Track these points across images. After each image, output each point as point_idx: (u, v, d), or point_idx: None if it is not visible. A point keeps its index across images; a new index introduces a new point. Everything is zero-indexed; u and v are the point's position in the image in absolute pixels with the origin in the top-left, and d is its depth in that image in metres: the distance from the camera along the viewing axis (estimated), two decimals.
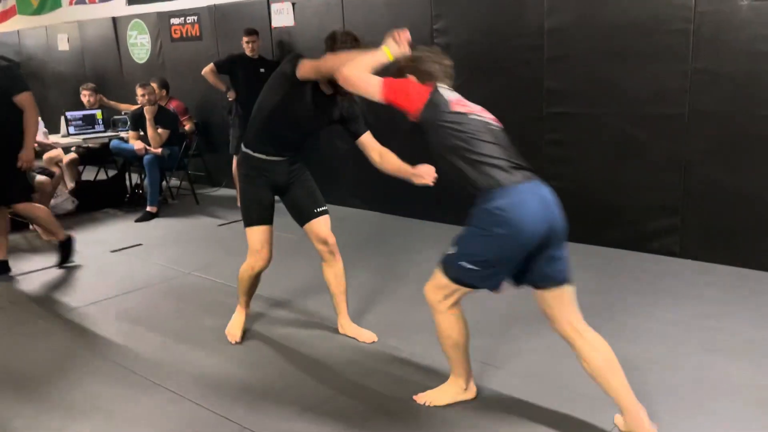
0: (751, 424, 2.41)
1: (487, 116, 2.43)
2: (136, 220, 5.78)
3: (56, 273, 4.46)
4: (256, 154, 3.03)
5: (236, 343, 3.24)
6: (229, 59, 5.99)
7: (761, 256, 3.88)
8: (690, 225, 4.13)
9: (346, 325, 3.30)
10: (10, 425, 2.59)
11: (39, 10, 9.48)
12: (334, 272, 3.23)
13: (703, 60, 3.87)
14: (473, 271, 2.27)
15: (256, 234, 3.08)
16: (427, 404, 2.60)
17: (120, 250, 4.93)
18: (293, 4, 5.95)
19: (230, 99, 6.10)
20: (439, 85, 2.43)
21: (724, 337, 3.10)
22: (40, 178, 5.17)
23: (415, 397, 2.65)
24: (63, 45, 8.86)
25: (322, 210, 3.19)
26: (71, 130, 6.42)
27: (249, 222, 3.10)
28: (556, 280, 2.29)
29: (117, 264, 4.62)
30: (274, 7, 6.11)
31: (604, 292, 3.69)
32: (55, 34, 8.96)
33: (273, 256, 3.15)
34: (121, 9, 7.95)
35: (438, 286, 2.40)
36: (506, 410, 2.56)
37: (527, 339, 3.14)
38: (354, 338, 3.24)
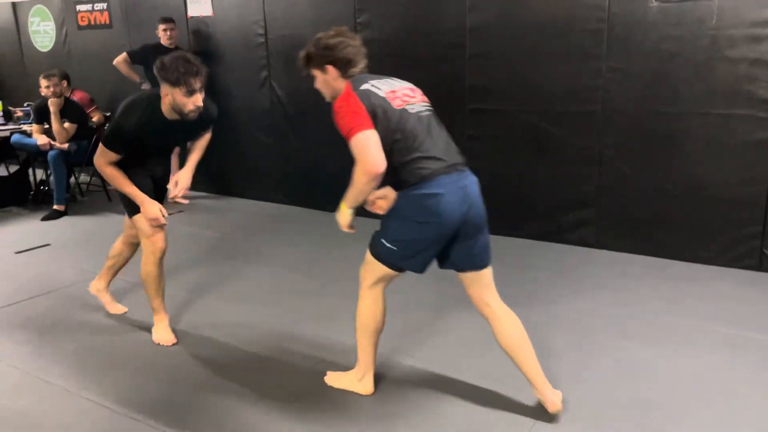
0: (667, 406, 2.54)
1: (418, 101, 2.45)
2: (43, 219, 5.44)
3: None
4: (140, 155, 3.06)
5: (174, 344, 3.15)
6: (144, 49, 5.73)
7: (670, 245, 4.11)
8: (604, 217, 4.32)
9: (103, 291, 3.55)
10: None
11: None
12: (129, 250, 3.45)
13: (616, 59, 4.04)
14: (393, 251, 2.39)
15: (144, 219, 3.05)
16: (327, 381, 2.74)
17: (26, 251, 4.62)
18: None
19: (144, 89, 5.84)
20: (364, 83, 2.37)
21: (638, 324, 3.25)
22: None
23: (326, 376, 2.77)
24: None
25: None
26: None
27: (133, 210, 3.07)
28: (475, 265, 2.45)
29: (23, 266, 4.32)
30: None
31: (523, 283, 3.79)
32: None
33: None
34: None
35: (367, 264, 2.51)
36: (431, 386, 2.59)
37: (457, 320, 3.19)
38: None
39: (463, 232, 2.37)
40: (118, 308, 3.53)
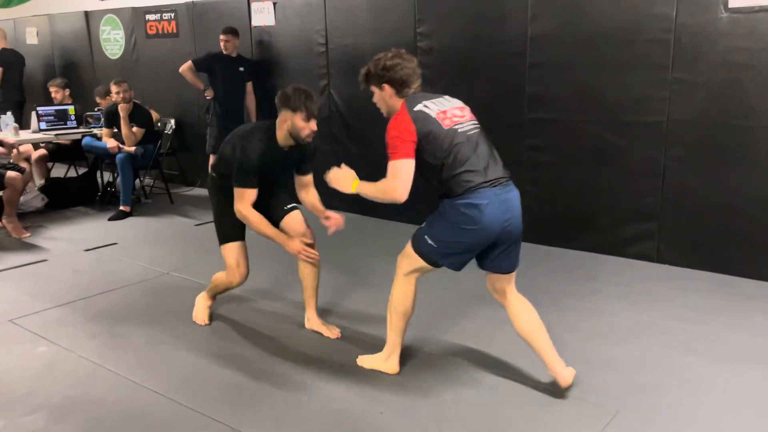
0: (725, 425, 2.47)
1: (467, 119, 2.65)
2: (110, 219, 5.66)
3: (30, 272, 4.33)
4: None
5: (205, 324, 3.41)
6: (208, 57, 5.92)
7: (736, 262, 3.99)
8: (667, 231, 4.22)
9: (313, 320, 3.38)
10: None
11: (7, 3, 9.22)
12: (311, 267, 3.29)
13: (682, 70, 3.97)
14: (433, 248, 2.61)
15: (231, 250, 3.24)
16: (358, 363, 2.95)
17: (94, 249, 4.81)
18: (274, 4, 5.90)
19: (208, 98, 6.03)
20: (418, 104, 2.56)
21: (700, 341, 3.17)
22: (10, 173, 5.02)
23: (358, 358, 2.98)
24: (32, 39, 8.64)
25: (291, 206, 3.31)
26: (42, 125, 6.25)
27: (223, 239, 3.27)
28: (506, 269, 2.71)
29: (92, 263, 4.51)
30: (254, 5, 6.06)
31: (584, 296, 3.74)
32: (23, 28, 8.73)
33: (250, 270, 3.31)
34: (94, 3, 7.79)
35: (406, 256, 2.72)
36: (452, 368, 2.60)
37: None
38: (319, 333, 3.32)
39: (502, 240, 2.59)
40: (332, 332, 3.33)
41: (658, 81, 4.05)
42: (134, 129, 5.82)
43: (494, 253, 2.64)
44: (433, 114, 2.55)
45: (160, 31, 7.01)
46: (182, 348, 3.18)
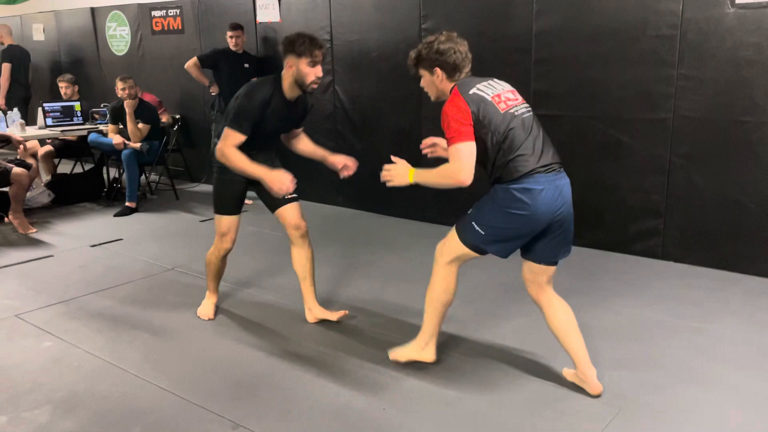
0: (728, 423, 2.46)
1: (520, 102, 2.60)
2: (116, 215, 5.68)
3: (36, 267, 4.35)
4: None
5: (209, 319, 3.44)
6: (214, 53, 5.92)
7: (741, 259, 3.97)
8: (672, 228, 4.20)
9: (315, 309, 3.40)
10: None
11: (13, 0, 9.25)
12: (306, 256, 3.34)
13: (689, 66, 3.94)
14: (480, 234, 2.55)
15: (225, 220, 3.28)
16: (392, 357, 2.90)
17: (100, 244, 4.83)
18: (279, 0, 5.90)
19: (213, 94, 6.03)
20: (472, 88, 2.51)
21: (704, 338, 3.16)
22: (17, 169, 5.04)
23: (390, 353, 2.93)
24: (38, 35, 8.67)
25: (293, 196, 3.30)
26: (48, 121, 6.27)
27: (219, 210, 3.28)
28: (553, 260, 2.64)
29: (98, 258, 4.53)
30: (259, 2, 6.06)
31: (588, 292, 3.74)
32: (30, 24, 8.76)
33: (238, 241, 3.38)
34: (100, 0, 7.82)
35: (449, 243, 2.67)
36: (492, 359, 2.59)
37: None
38: (324, 321, 3.38)
39: (553, 228, 2.52)
40: (338, 313, 3.38)
41: (665, 77, 4.03)
42: (140, 125, 5.83)
43: (542, 242, 2.57)
44: (489, 97, 2.50)
45: (166, 28, 7.02)
46: (186, 343, 3.20)
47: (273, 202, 3.27)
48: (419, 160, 4.56)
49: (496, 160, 2.48)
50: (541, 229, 2.51)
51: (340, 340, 3.20)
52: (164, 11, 6.98)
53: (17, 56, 7.94)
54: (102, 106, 6.64)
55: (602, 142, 4.36)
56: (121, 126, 5.90)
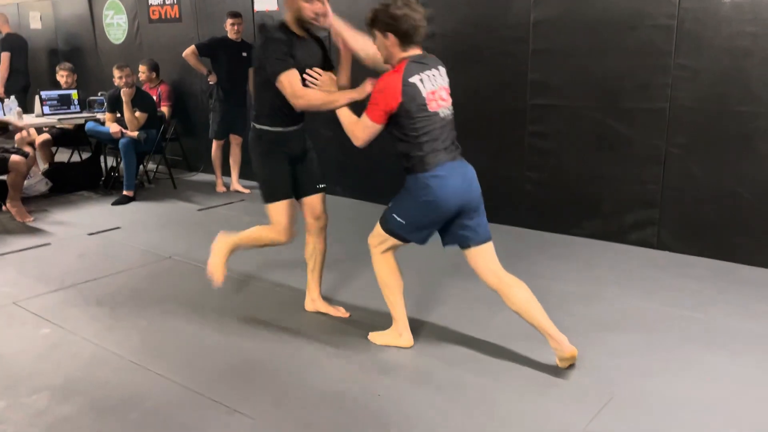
0: (722, 411, 2.49)
1: (448, 103, 2.77)
2: (113, 203, 5.69)
3: (34, 255, 4.37)
4: (275, 128, 3.02)
5: (219, 283, 3.20)
6: (212, 42, 5.91)
7: (736, 249, 3.99)
8: (668, 218, 4.22)
9: (318, 301, 3.40)
10: None
11: None
12: (320, 249, 3.31)
13: (686, 56, 3.95)
14: (401, 224, 2.77)
15: (282, 209, 3.07)
16: (370, 339, 3.04)
17: (98, 233, 4.84)
18: None
19: (211, 83, 6.02)
20: (413, 75, 2.61)
21: (698, 327, 3.18)
22: (14, 158, 5.04)
23: (369, 335, 3.06)
24: (35, 23, 8.64)
25: (323, 186, 3.27)
26: (46, 110, 6.27)
27: (273, 197, 3.07)
28: (475, 240, 2.77)
29: (96, 247, 4.54)
30: None
31: (582, 282, 3.76)
32: (26, 12, 8.73)
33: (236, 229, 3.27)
34: None
35: (376, 235, 2.88)
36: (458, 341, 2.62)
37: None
38: (324, 314, 3.36)
39: (464, 211, 2.73)
40: (340, 311, 3.37)
41: (661, 67, 4.03)
42: (137, 114, 5.83)
43: (459, 224, 2.75)
44: (424, 93, 2.62)
45: (163, 16, 6.99)
46: (184, 330, 3.22)
47: (303, 188, 3.17)
48: None
49: (411, 150, 2.66)
50: (456, 214, 2.71)
51: (337, 328, 3.23)
52: (161, 0, 6.96)
53: (16, 45, 7.93)
54: (99, 94, 6.63)
55: (599, 132, 4.36)
56: (119, 115, 5.90)
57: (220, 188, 6.19)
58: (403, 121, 2.63)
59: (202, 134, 6.60)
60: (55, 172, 6.19)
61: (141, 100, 5.91)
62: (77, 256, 4.34)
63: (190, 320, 3.33)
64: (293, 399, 2.59)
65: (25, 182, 5.44)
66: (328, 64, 3.11)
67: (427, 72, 2.66)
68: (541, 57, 4.49)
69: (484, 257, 2.78)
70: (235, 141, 6.08)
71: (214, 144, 6.11)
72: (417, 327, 3.16)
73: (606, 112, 4.31)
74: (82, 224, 5.07)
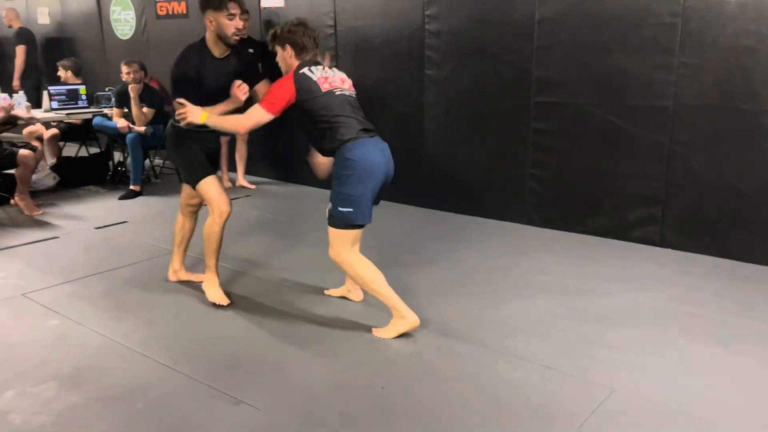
0: (721, 406, 2.51)
1: (346, 86, 3.11)
2: (120, 198, 5.74)
3: (41, 248, 4.42)
4: (194, 128, 3.22)
5: (229, 304, 3.41)
6: None
7: (739, 246, 4.01)
8: (671, 215, 4.24)
9: (180, 271, 3.75)
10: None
11: None
12: (189, 227, 3.70)
13: (690, 54, 3.96)
14: (349, 212, 2.94)
15: (211, 183, 3.32)
16: (375, 334, 3.08)
17: (105, 227, 4.89)
18: None
19: None
20: (303, 68, 3.01)
21: (699, 323, 3.20)
22: (23, 152, 5.10)
23: (373, 330, 3.12)
24: (43, 18, 8.69)
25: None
26: (54, 104, 6.32)
27: (199, 176, 3.32)
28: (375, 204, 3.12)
29: (103, 240, 4.59)
30: None
31: (583, 277, 3.78)
32: (35, 7, 8.78)
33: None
34: None
35: (336, 244, 3.02)
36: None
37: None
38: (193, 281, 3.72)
39: (384, 185, 3.05)
40: (201, 277, 3.65)
41: (665, 65, 4.05)
42: (144, 109, 5.87)
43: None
44: (314, 77, 2.99)
45: (170, 12, 7.03)
46: (189, 322, 3.26)
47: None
48: (422, 144, 4.71)
49: (319, 127, 2.97)
50: (381, 184, 3.01)
51: (341, 319, 3.26)
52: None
53: (29, 38, 8.01)
54: (106, 89, 6.68)
55: (602, 129, 4.38)
56: (126, 110, 5.94)
57: (226, 183, 6.22)
58: (307, 105, 2.96)
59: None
60: (62, 166, 6.24)
61: (148, 95, 5.95)
62: (84, 249, 4.38)
63: (196, 312, 3.38)
64: (298, 390, 2.63)
65: (34, 176, 5.50)
66: (251, 78, 3.39)
67: (315, 68, 3.04)
68: (545, 54, 4.51)
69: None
70: (241, 137, 6.11)
71: (221, 140, 6.14)
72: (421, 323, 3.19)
73: (609, 110, 4.32)
74: (89, 218, 5.12)
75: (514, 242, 4.45)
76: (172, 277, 3.75)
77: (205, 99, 3.15)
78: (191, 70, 3.12)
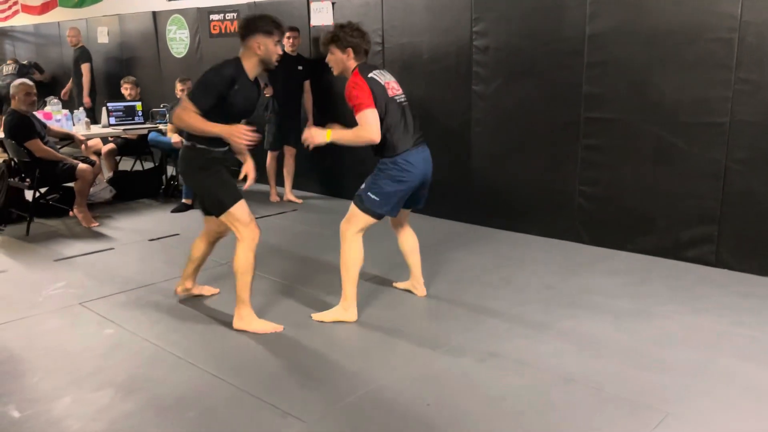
0: None
1: (401, 92, 3.36)
2: (172, 211, 5.89)
3: (98, 259, 4.57)
4: (215, 149, 3.22)
5: (281, 328, 3.34)
6: None
7: None
8: (727, 235, 4.11)
9: (197, 287, 3.80)
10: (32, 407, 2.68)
11: (80, 3, 9.69)
12: (207, 253, 3.70)
13: (747, 69, 3.85)
14: (377, 201, 3.26)
15: (242, 208, 3.25)
16: (315, 318, 3.43)
17: (158, 239, 5.03)
18: (333, 3, 6.02)
19: (267, 96, 6.18)
20: (370, 71, 3.24)
21: (758, 347, 3.08)
22: (82, 166, 5.30)
23: (312, 315, 3.46)
24: (103, 38, 9.04)
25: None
26: (112, 120, 6.55)
27: (231, 201, 3.22)
28: (416, 205, 3.52)
29: (156, 252, 4.72)
30: (313, 5, 6.19)
31: (636, 297, 3.69)
32: (95, 27, 9.15)
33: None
34: (162, 4, 8.11)
35: (351, 218, 3.32)
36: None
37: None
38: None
39: (422, 186, 3.39)
40: (211, 290, 3.85)
41: (722, 81, 3.95)
42: None
43: (412, 196, 3.41)
44: (382, 82, 3.24)
45: (223, 31, 7.23)
46: (238, 334, 3.31)
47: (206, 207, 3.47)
48: (469, 160, 4.74)
49: (383, 138, 3.18)
50: (416, 188, 3.34)
51: (387, 336, 3.26)
52: (222, 15, 7.20)
53: (88, 57, 8.41)
54: (161, 106, 6.89)
55: (655, 146, 4.29)
56: None
57: (274, 198, 6.33)
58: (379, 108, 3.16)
59: (257, 145, 6.75)
60: (118, 180, 6.46)
61: None
62: (138, 261, 4.51)
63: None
64: (344, 405, 2.64)
65: (91, 189, 5.70)
66: (255, 106, 3.40)
67: (376, 71, 3.28)
68: (596, 70, 4.46)
69: (405, 215, 3.58)
70: (289, 152, 6.22)
71: (269, 155, 6.27)
72: (467, 339, 3.17)
73: (662, 126, 4.23)
74: (143, 230, 5.27)
75: (563, 260, 4.38)
76: (182, 293, 3.77)
77: (227, 115, 3.10)
78: (227, 80, 3.07)
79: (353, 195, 3.41)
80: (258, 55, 3.16)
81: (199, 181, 3.28)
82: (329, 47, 3.28)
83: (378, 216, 3.29)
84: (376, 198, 3.25)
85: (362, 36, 3.27)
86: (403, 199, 3.34)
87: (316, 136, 3.19)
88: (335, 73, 3.34)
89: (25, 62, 9.76)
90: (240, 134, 3.01)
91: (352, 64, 3.26)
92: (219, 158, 3.26)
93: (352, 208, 3.32)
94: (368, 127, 3.13)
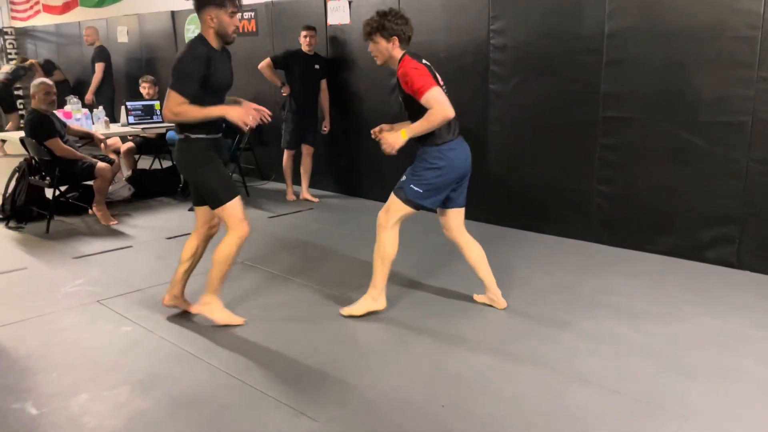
0: None
1: (442, 84, 3.23)
2: (190, 209, 5.91)
3: (116, 257, 4.61)
4: (210, 135, 3.17)
5: (243, 322, 3.40)
6: (286, 54, 6.09)
7: None
8: (748, 236, 4.05)
9: (179, 298, 3.55)
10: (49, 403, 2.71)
11: (101, 3, 9.79)
12: (200, 253, 3.55)
13: None
14: (419, 192, 3.22)
15: (237, 205, 3.23)
16: (344, 313, 3.43)
17: (175, 237, 5.07)
18: (350, 2, 6.02)
19: (284, 94, 6.20)
20: (420, 59, 3.20)
21: None
22: (101, 164, 5.35)
23: (340, 310, 3.46)
24: (122, 37, 9.13)
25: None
26: (131, 119, 6.61)
27: (228, 197, 3.20)
28: (457, 203, 3.41)
29: (173, 250, 4.74)
30: (330, 4, 6.20)
31: (656, 298, 3.65)
32: (114, 27, 9.24)
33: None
34: (181, 3, 8.16)
35: (391, 207, 3.29)
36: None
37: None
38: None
39: (463, 179, 3.33)
40: (197, 309, 3.52)
41: (743, 79, 3.89)
42: None
43: (455, 193, 3.34)
44: (434, 71, 3.19)
45: (241, 30, 7.26)
46: (254, 332, 3.32)
47: (199, 198, 3.35)
48: (485, 159, 4.71)
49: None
50: (459, 180, 3.28)
51: (402, 334, 3.26)
52: (239, 14, 7.22)
53: (107, 56, 8.48)
54: None
55: (674, 145, 4.24)
56: None
57: (291, 197, 6.35)
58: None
59: (274, 144, 6.79)
60: (137, 178, 6.52)
61: None
62: (156, 258, 4.55)
63: (260, 323, 3.44)
64: (358, 404, 2.64)
65: (110, 188, 5.76)
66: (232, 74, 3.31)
67: (424, 60, 3.22)
68: (614, 68, 4.41)
69: (457, 218, 3.43)
70: (307, 151, 6.23)
71: (286, 153, 6.29)
72: (482, 339, 3.15)
73: (682, 125, 4.18)
74: (161, 228, 5.31)
75: (580, 260, 4.34)
76: (169, 302, 3.54)
77: (212, 94, 3.08)
78: (204, 60, 3.01)
79: (369, 194, 3.42)
80: (212, 27, 3.08)
81: (199, 176, 3.23)
82: (373, 36, 3.20)
83: (417, 206, 3.25)
84: (418, 189, 3.21)
85: (406, 23, 3.20)
86: (444, 192, 3.26)
87: (394, 141, 3.12)
88: (379, 63, 3.29)
89: (26, 64, 9.74)
90: (244, 116, 3.08)
91: (398, 52, 3.20)
92: (216, 147, 3.23)
93: (392, 198, 3.29)
94: (439, 106, 3.02)
